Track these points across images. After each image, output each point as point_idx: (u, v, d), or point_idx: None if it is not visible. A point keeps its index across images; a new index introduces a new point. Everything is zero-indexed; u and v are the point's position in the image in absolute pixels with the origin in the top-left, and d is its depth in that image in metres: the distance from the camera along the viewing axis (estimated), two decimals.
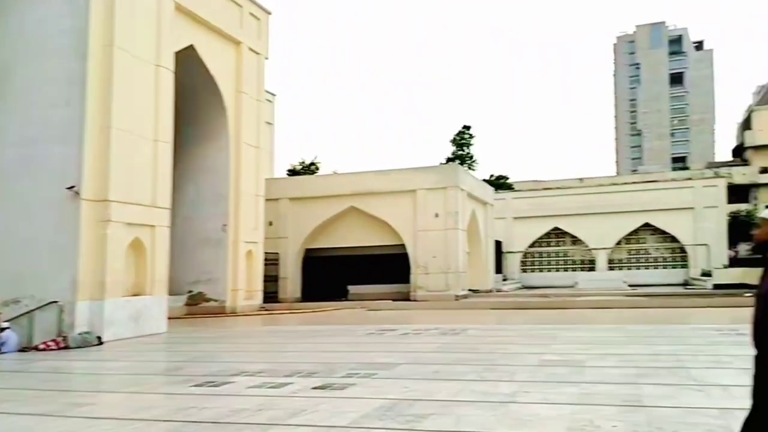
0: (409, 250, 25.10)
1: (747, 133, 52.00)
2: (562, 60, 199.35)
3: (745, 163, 51.33)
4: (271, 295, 24.22)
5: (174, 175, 15.97)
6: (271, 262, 24.73)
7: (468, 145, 48.30)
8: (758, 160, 49.43)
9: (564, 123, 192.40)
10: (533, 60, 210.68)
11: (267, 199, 22.92)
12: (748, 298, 21.52)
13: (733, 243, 38.81)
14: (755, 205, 47.84)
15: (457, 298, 23.88)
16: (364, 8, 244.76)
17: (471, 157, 47.79)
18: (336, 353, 10.47)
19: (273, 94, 31.91)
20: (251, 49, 20.99)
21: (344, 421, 5.48)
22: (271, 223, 25.23)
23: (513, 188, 46.95)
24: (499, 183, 47.34)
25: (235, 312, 19.78)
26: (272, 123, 31.26)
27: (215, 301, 20.04)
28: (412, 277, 24.94)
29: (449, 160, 45.85)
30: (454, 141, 48.62)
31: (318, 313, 20.48)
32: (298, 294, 26.54)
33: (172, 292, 17.65)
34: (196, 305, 20.02)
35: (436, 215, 24.70)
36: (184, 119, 18.70)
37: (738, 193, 46.17)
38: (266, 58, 22.01)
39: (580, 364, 8.37)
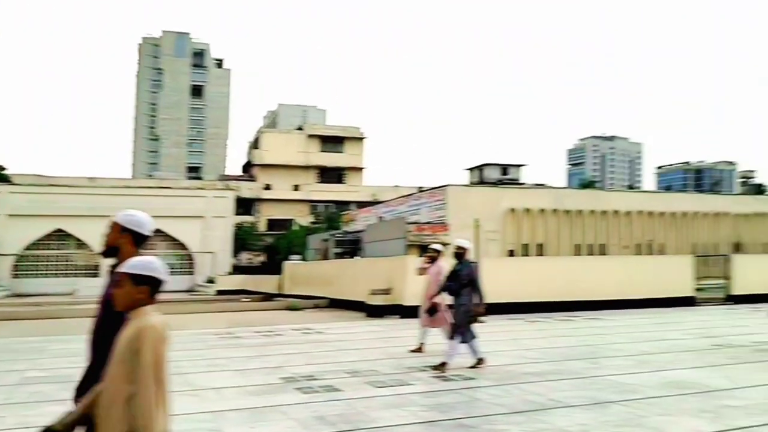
0: None
1: (255, 152, 57.89)
2: (91, 52, 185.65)
3: (252, 179, 56.87)
4: None
5: None
6: None
7: None
8: (263, 178, 55.53)
9: (83, 117, 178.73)
10: (55, 50, 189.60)
11: None
12: (246, 302, 23.41)
13: (237, 251, 41.95)
14: (258, 217, 53.44)
15: None
16: None
17: None
18: None
19: None
20: None
21: None
22: None
23: (11, 181, 42.05)
24: None
25: None
26: None
27: None
28: None
29: None
30: None
31: None
32: None
33: None
34: None
35: None
36: None
37: (245, 205, 50.79)
38: None
39: (68, 378, 7.42)
